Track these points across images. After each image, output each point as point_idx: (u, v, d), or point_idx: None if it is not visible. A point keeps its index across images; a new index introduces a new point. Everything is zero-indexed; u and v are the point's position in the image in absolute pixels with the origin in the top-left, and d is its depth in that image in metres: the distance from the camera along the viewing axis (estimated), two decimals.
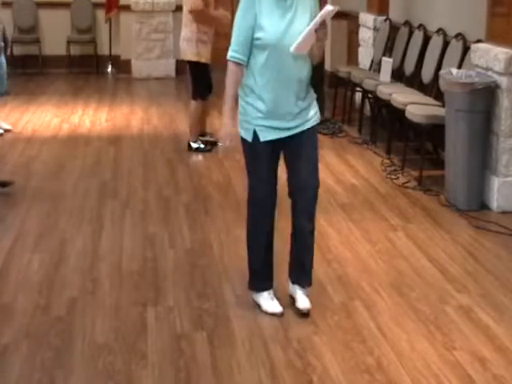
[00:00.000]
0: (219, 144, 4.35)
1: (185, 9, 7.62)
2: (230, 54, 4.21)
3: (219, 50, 12.18)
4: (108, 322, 4.23)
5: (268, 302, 4.38)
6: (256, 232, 4.37)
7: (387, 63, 8.29)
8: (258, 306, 4.39)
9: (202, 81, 7.64)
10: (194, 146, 7.78)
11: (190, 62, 7.65)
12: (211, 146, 7.79)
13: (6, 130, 8.55)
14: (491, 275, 4.91)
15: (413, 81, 8.11)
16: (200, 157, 7.68)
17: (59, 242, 5.39)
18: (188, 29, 7.53)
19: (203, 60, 7.53)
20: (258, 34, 4.14)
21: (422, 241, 5.48)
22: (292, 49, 4.10)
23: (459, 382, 3.66)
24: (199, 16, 7.42)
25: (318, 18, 4.10)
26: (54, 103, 10.20)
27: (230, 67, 4.21)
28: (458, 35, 7.23)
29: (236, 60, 4.19)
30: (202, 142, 7.81)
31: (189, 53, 7.57)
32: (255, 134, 4.18)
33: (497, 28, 6.16)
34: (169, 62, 12.26)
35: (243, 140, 4.23)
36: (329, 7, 4.08)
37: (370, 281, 4.80)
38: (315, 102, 4.40)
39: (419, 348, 3.97)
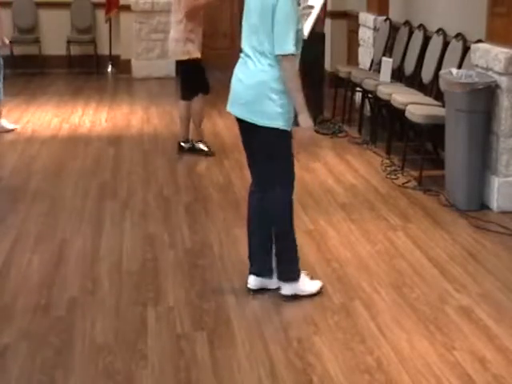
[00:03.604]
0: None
1: (173, 9, 7.49)
2: (291, 48, 4.23)
3: (219, 49, 12.25)
4: (108, 322, 4.24)
5: (310, 282, 4.57)
6: (292, 215, 4.52)
7: (387, 63, 8.28)
8: (295, 297, 4.49)
9: (199, 77, 7.53)
10: (200, 146, 7.70)
11: (181, 62, 7.57)
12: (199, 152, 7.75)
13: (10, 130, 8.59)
14: (491, 275, 4.91)
15: (413, 81, 8.11)
16: (200, 156, 7.65)
17: (59, 242, 5.39)
18: (176, 29, 7.41)
19: (193, 56, 7.40)
20: (299, 26, 4.32)
21: (422, 241, 5.48)
22: (306, 34, 4.33)
23: (459, 382, 3.67)
24: (194, 12, 7.35)
25: (321, 3, 4.38)
26: (53, 103, 10.19)
27: (293, 61, 4.27)
28: (458, 35, 7.23)
29: (294, 53, 4.26)
30: (206, 145, 7.74)
31: (178, 52, 7.45)
32: (291, 123, 4.39)
33: (497, 28, 6.16)
34: (169, 62, 12.18)
35: (281, 131, 4.34)
36: None
37: (369, 281, 4.80)
38: None
39: (419, 348, 3.97)
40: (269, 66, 4.29)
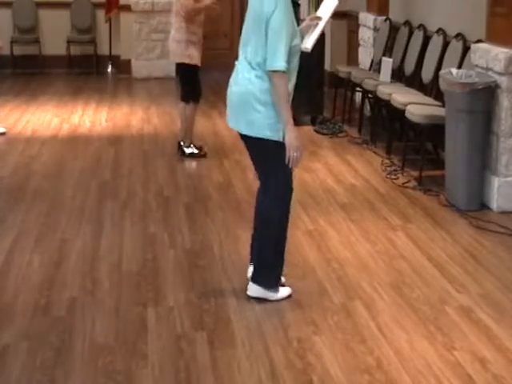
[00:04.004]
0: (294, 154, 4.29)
1: (174, 10, 7.48)
2: (283, 64, 4.16)
3: (219, 49, 12.26)
4: (108, 322, 4.24)
5: (279, 289, 4.54)
6: (287, 225, 4.48)
7: (387, 63, 8.29)
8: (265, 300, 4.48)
9: (193, 83, 7.53)
10: (188, 151, 7.65)
11: (180, 64, 7.53)
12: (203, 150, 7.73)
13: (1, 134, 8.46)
14: (491, 275, 4.91)
15: (413, 81, 8.11)
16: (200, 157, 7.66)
17: (59, 242, 5.39)
18: (177, 30, 7.39)
19: (194, 62, 7.40)
20: (295, 41, 4.26)
21: (422, 241, 5.48)
22: (310, 47, 4.37)
23: (459, 382, 3.66)
24: (192, 14, 7.33)
25: (330, 13, 4.44)
26: (53, 103, 10.19)
27: (283, 78, 4.19)
28: (458, 35, 7.24)
29: (286, 69, 4.18)
30: (196, 147, 7.73)
31: (179, 55, 7.43)
32: (283, 134, 4.26)
33: (497, 28, 6.16)
34: (169, 62, 12.05)
35: (272, 142, 4.27)
36: (334, 1, 4.42)
37: (369, 281, 4.80)
38: None
39: (419, 348, 3.97)
40: (256, 77, 4.26)
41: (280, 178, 4.37)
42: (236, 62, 4.43)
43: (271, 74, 4.18)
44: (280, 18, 4.15)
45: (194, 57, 7.38)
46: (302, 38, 4.41)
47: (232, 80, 4.43)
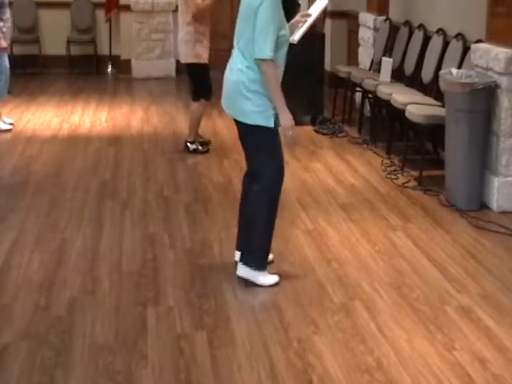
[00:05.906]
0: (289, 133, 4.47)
1: (180, 10, 7.52)
2: (269, 53, 4.36)
3: (219, 51, 12.25)
4: (108, 322, 4.23)
5: (268, 276, 4.69)
6: (276, 210, 4.65)
7: (387, 63, 8.29)
8: (252, 284, 4.64)
9: (203, 81, 7.60)
10: (192, 147, 7.72)
11: (189, 64, 7.60)
12: (206, 146, 7.81)
13: (10, 124, 8.67)
14: (491, 275, 4.91)
15: (413, 81, 8.11)
16: (200, 156, 7.67)
17: (59, 242, 5.39)
18: (185, 30, 7.45)
19: (202, 61, 7.48)
20: (282, 32, 4.44)
21: (422, 241, 5.48)
22: (297, 39, 4.69)
23: (459, 382, 3.66)
24: (202, 13, 7.36)
25: (319, 12, 4.75)
26: (54, 103, 10.20)
27: (271, 65, 4.39)
28: (458, 35, 7.24)
29: (273, 58, 4.38)
30: (200, 144, 7.78)
31: (188, 55, 7.49)
32: (274, 121, 4.48)
33: (497, 28, 6.16)
34: (169, 62, 12.25)
35: (263, 129, 4.47)
36: (324, 1, 4.77)
37: (369, 281, 4.80)
38: None
39: (419, 348, 3.97)
40: (246, 68, 4.47)
41: (269, 165, 4.56)
42: (232, 50, 4.62)
43: (259, 63, 4.39)
44: (267, 10, 4.36)
45: (201, 56, 7.47)
46: (291, 32, 4.68)
47: (228, 67, 4.64)
